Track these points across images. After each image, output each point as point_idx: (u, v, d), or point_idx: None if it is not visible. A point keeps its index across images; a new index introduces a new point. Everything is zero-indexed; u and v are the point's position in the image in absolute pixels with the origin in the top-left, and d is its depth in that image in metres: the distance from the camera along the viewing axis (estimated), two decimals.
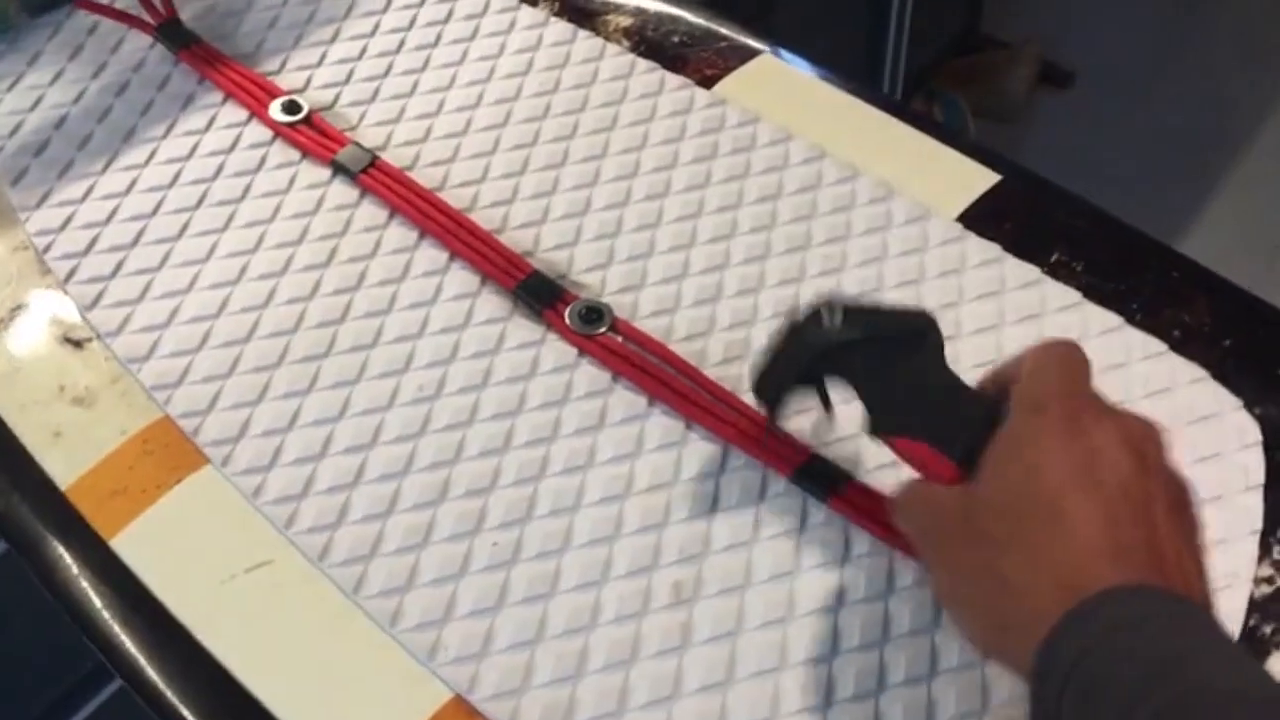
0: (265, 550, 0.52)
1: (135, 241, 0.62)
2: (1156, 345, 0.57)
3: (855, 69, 1.77)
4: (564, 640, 0.49)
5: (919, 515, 0.44)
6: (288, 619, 0.50)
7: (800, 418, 0.55)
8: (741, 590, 0.50)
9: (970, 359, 0.57)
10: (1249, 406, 0.55)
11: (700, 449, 0.54)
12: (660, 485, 0.53)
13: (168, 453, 0.55)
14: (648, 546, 0.52)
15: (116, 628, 0.50)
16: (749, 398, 0.56)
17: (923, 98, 1.97)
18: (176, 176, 0.65)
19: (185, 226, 0.63)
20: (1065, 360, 0.43)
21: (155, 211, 0.64)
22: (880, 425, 0.47)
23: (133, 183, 0.65)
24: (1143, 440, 0.41)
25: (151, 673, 0.50)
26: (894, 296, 0.60)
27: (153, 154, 0.66)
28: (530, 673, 0.48)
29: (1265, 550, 0.51)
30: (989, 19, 2.01)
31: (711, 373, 0.57)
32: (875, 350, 0.47)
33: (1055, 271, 0.60)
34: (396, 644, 0.49)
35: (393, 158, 0.66)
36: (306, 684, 0.48)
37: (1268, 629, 0.49)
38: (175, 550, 0.52)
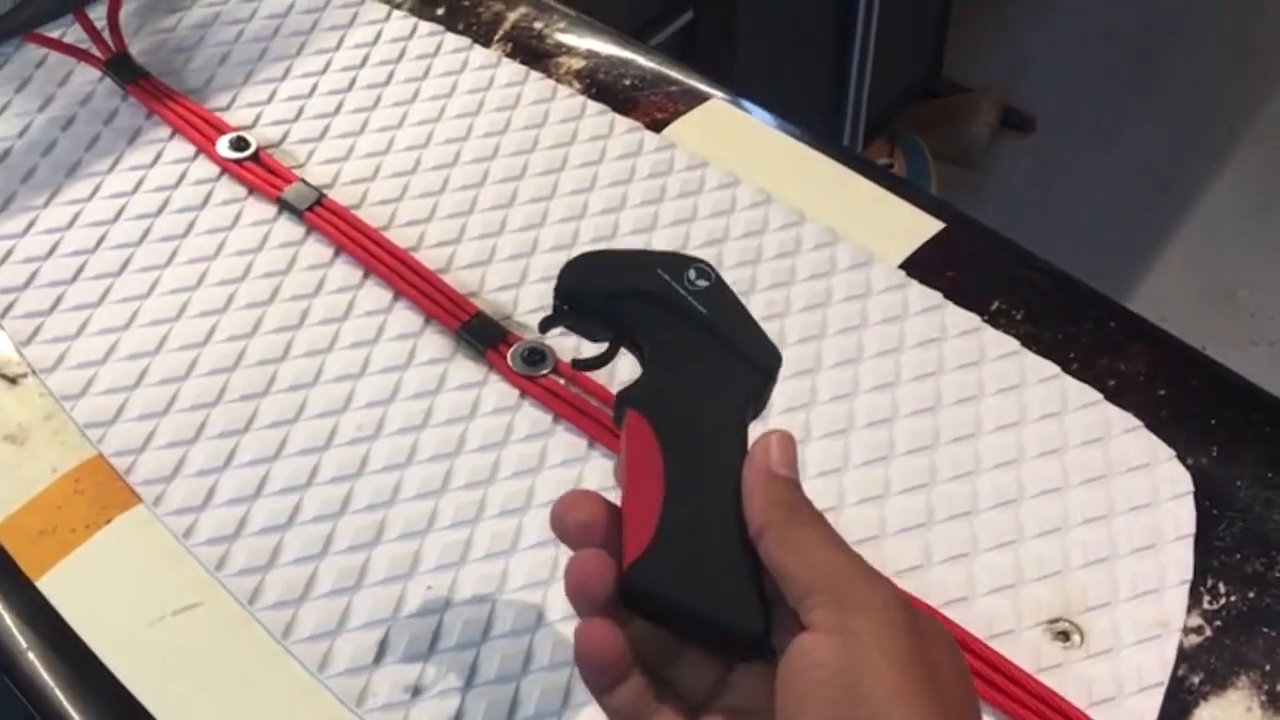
0: (195, 592, 0.51)
1: (75, 277, 0.62)
2: (1092, 394, 0.57)
3: (818, 113, 1.79)
4: (496, 686, 0.49)
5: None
6: (216, 663, 0.49)
7: None
8: None
9: (910, 405, 0.57)
10: (1181, 457, 0.55)
11: None
12: None
13: (99, 491, 0.54)
14: None
15: (40, 669, 0.50)
16: None
17: (885, 141, 1.99)
18: (120, 211, 0.65)
19: (127, 262, 0.63)
20: None
21: (97, 247, 0.63)
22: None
23: (75, 217, 0.65)
24: None
25: (75, 717, 0.49)
26: (836, 342, 0.60)
27: (97, 188, 0.66)
28: (461, 719, 0.48)
29: (1195, 600, 0.51)
30: (951, 64, 2.04)
31: None
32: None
33: (995, 320, 0.61)
34: (324, 689, 0.48)
35: (340, 196, 0.66)
36: None
37: (1196, 679, 0.49)
38: (102, 591, 0.51)
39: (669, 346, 0.40)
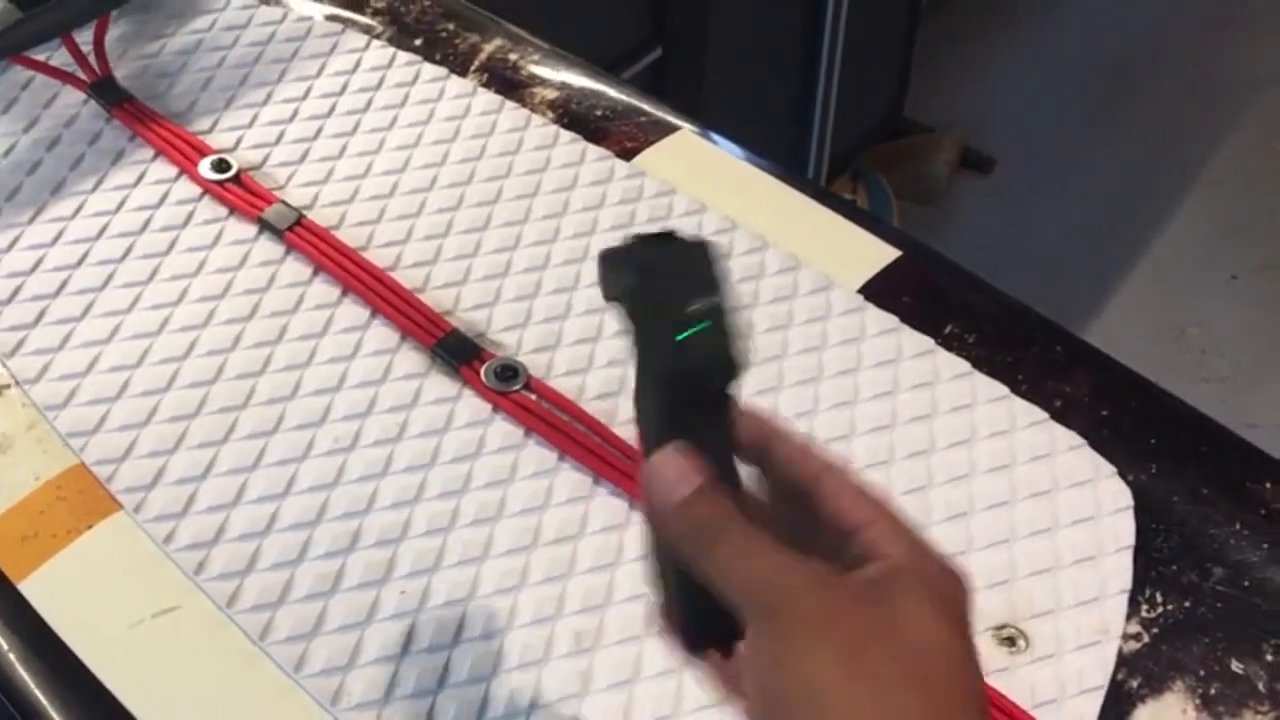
0: (174, 596, 0.53)
1: (59, 291, 0.64)
2: (1039, 414, 0.60)
3: (783, 149, 1.83)
4: (468, 687, 0.50)
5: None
6: (194, 664, 0.51)
7: None
8: (641, 640, 0.52)
9: (867, 423, 0.60)
10: (1122, 473, 0.58)
11: (607, 504, 0.56)
12: (567, 538, 0.55)
13: (81, 499, 0.56)
14: (552, 596, 0.53)
15: (20, 669, 0.51)
16: None
17: (849, 178, 2.04)
18: (103, 229, 0.67)
19: (109, 278, 0.64)
20: None
21: (80, 263, 0.65)
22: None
23: (59, 234, 0.66)
24: None
25: (54, 715, 0.50)
26: (797, 362, 0.62)
27: (80, 207, 0.68)
28: (433, 719, 0.49)
29: (1134, 608, 0.54)
30: (912, 104, 2.10)
31: (620, 430, 0.59)
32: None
33: (948, 343, 0.64)
34: (300, 689, 0.50)
35: (319, 217, 0.68)
36: None
37: (1134, 683, 0.51)
38: (83, 594, 0.53)
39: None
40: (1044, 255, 1.97)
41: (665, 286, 0.37)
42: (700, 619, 0.37)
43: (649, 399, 0.38)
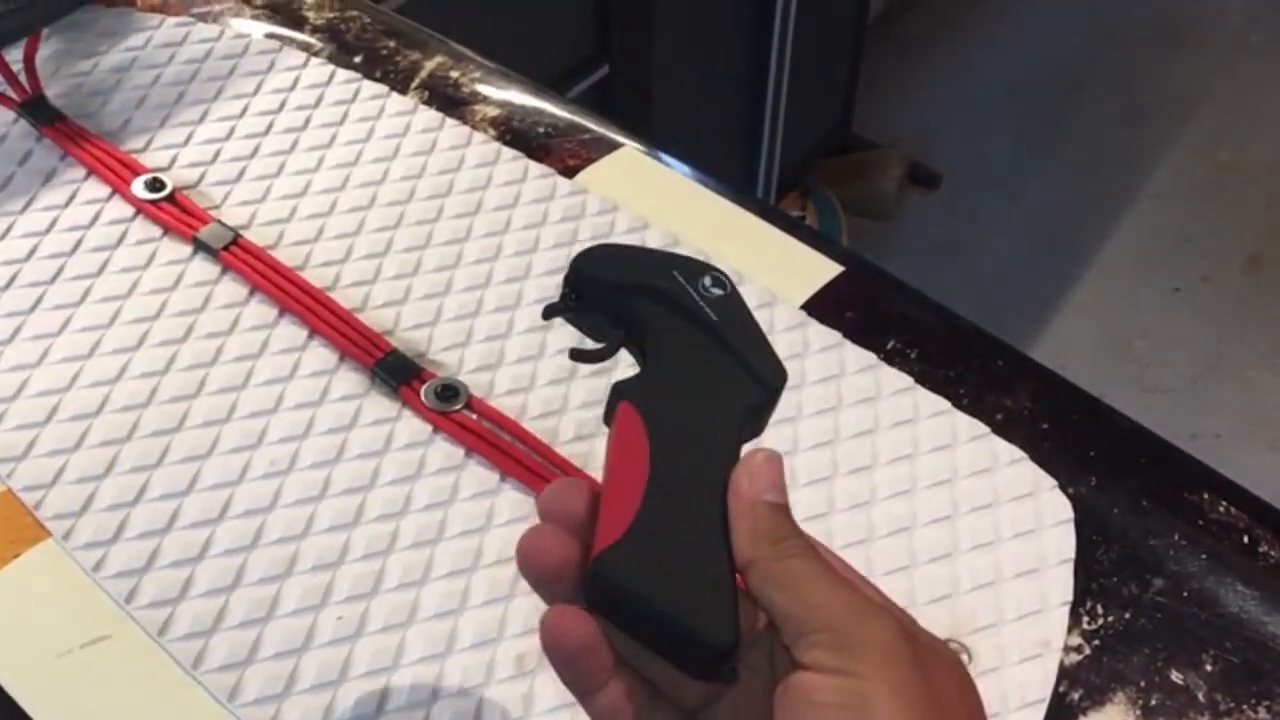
0: (104, 625, 0.51)
1: None
2: (980, 428, 0.60)
3: (732, 167, 1.84)
4: (406, 713, 0.49)
5: None
6: (124, 695, 0.49)
7: None
8: None
9: (810, 439, 0.60)
10: (1063, 486, 0.58)
11: None
12: (507, 559, 0.55)
13: (7, 525, 0.54)
14: (493, 619, 0.53)
15: None
16: (599, 474, 0.58)
17: (799, 195, 2.05)
18: (32, 251, 0.65)
19: (39, 301, 0.63)
20: None
21: (8, 286, 0.63)
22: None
23: None
24: None
25: None
26: None
27: (9, 228, 0.66)
28: None
29: (1075, 620, 0.54)
30: (860, 121, 2.11)
31: (563, 450, 0.59)
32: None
33: (891, 358, 0.64)
34: (234, 719, 0.49)
35: (256, 236, 0.67)
36: None
37: (1076, 695, 0.51)
38: (10, 624, 0.51)
39: (674, 348, 0.39)
40: (991, 269, 1.99)
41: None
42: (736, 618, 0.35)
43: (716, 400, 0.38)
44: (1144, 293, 2.00)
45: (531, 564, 0.35)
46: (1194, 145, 2.24)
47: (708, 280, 0.40)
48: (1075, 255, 2.05)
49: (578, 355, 0.41)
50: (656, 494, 0.35)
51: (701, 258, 0.67)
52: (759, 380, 0.39)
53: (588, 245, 0.68)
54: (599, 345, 0.41)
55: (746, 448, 0.38)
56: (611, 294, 0.40)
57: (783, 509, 0.35)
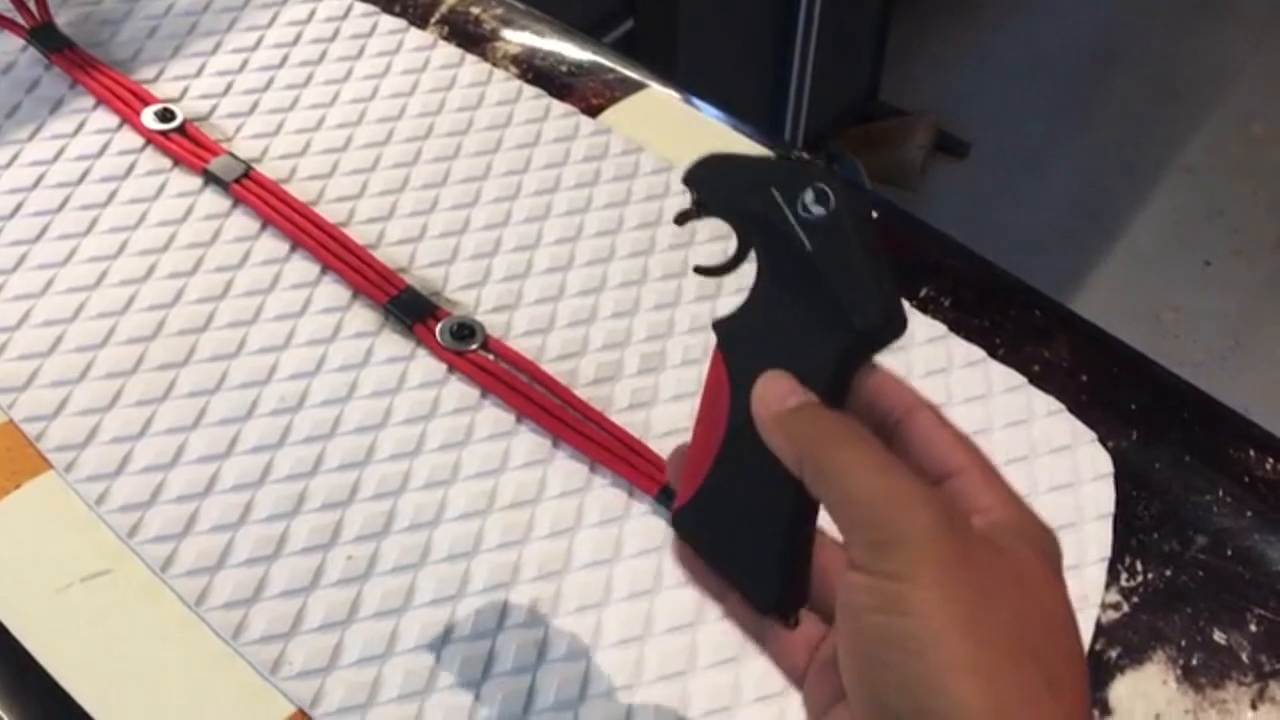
0: (105, 559, 0.50)
1: None
2: (1017, 379, 0.58)
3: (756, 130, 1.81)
4: (414, 656, 0.48)
5: None
6: (125, 630, 0.48)
7: (668, 440, 0.55)
8: (599, 608, 0.49)
9: None
10: (1102, 440, 0.56)
11: (566, 466, 0.54)
12: (524, 502, 0.53)
13: (8, 457, 0.52)
14: (507, 563, 0.51)
15: None
16: (618, 417, 0.56)
17: (824, 161, 2.02)
18: (39, 180, 0.63)
19: (44, 230, 0.61)
20: None
21: (14, 214, 0.62)
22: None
23: None
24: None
25: None
26: None
27: (15, 156, 0.64)
28: (377, 688, 0.47)
29: (1114, 577, 0.51)
30: (887, 89, 2.08)
31: (582, 392, 0.56)
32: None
33: (924, 306, 0.62)
34: (239, 657, 0.47)
35: (268, 170, 0.64)
36: (142, 697, 0.46)
37: (1113, 653, 0.49)
38: (9, 557, 0.50)
39: (770, 282, 0.35)
40: (1018, 240, 1.95)
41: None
42: (788, 576, 0.35)
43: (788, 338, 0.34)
44: (1174, 266, 1.96)
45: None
46: (1227, 118, 2.19)
47: (810, 196, 0.34)
48: (1104, 228, 2.01)
49: (702, 270, 0.38)
50: (729, 451, 0.35)
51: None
52: (848, 323, 0.33)
53: (609, 185, 0.66)
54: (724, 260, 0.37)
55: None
56: (725, 214, 0.37)
57: (808, 406, 0.33)
